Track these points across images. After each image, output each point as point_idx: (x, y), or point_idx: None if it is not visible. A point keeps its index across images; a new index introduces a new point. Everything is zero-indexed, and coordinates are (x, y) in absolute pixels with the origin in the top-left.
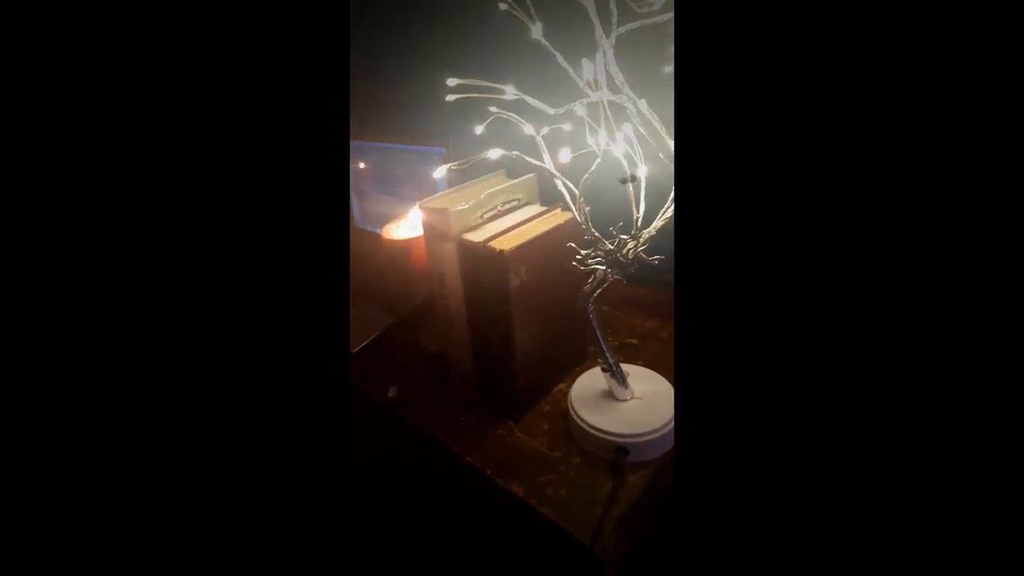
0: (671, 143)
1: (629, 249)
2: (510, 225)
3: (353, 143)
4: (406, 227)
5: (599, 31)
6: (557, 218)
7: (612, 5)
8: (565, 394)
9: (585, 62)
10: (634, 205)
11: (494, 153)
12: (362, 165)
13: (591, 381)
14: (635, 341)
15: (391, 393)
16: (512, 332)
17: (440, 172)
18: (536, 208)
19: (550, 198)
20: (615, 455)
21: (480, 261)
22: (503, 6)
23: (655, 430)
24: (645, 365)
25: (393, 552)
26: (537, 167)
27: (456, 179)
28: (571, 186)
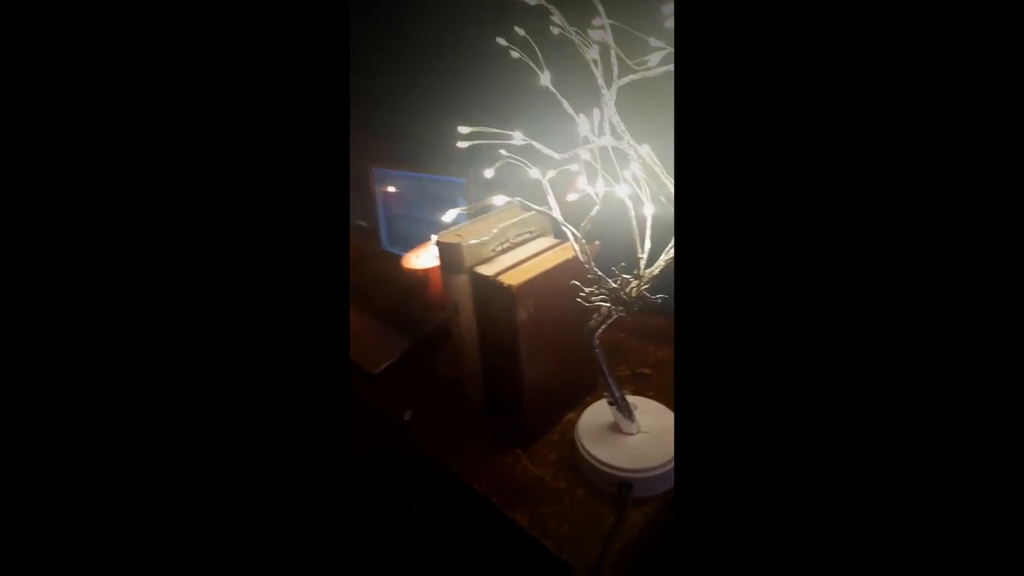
0: (671, 186)
1: (632, 287)
2: (522, 258)
3: (382, 170)
4: (426, 256)
5: (601, 82)
6: (568, 251)
7: (613, 59)
8: (575, 424)
9: (582, 117)
10: (639, 244)
11: (499, 200)
12: (391, 190)
13: (599, 413)
14: (648, 371)
15: (406, 416)
16: (520, 364)
17: (450, 216)
18: (549, 240)
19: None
20: (618, 490)
21: (490, 294)
22: (515, 54)
23: (660, 465)
24: (656, 396)
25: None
26: (542, 212)
27: (473, 211)
28: (572, 229)
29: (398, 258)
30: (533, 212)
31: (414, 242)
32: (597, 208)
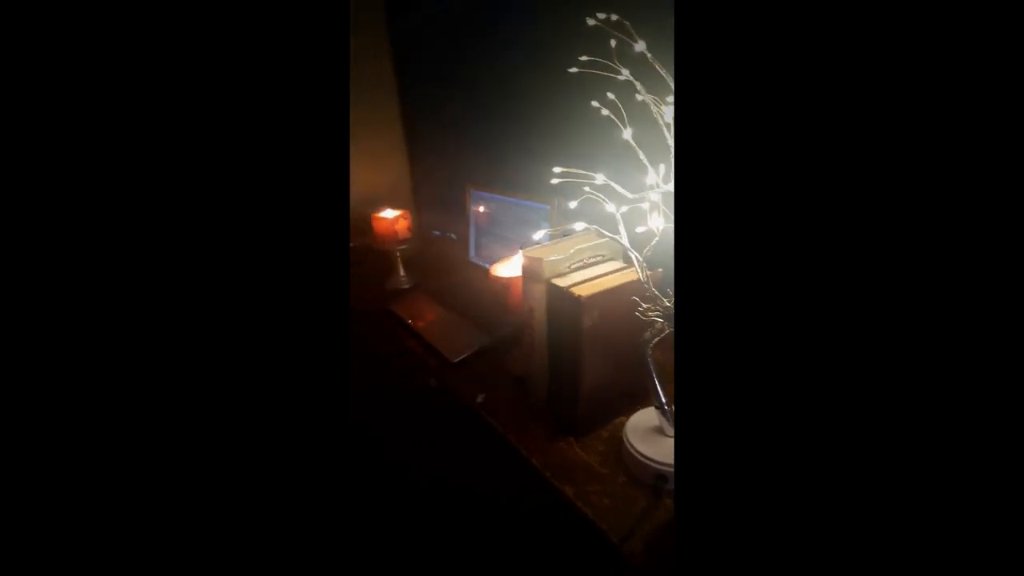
0: None
1: None
2: (592, 276)
3: (478, 192)
4: (509, 267)
5: (671, 142)
6: (632, 274)
7: None
8: (624, 423)
9: (650, 169)
10: None
11: (578, 226)
12: (482, 209)
13: (647, 416)
14: None
15: (479, 399)
16: (581, 364)
17: (539, 235)
18: (618, 264)
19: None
20: (655, 480)
21: (562, 302)
22: (604, 112)
23: None
24: None
25: (456, 525)
26: (612, 238)
27: (557, 233)
28: (637, 254)
29: (482, 268)
30: (606, 239)
31: (498, 256)
32: (657, 239)
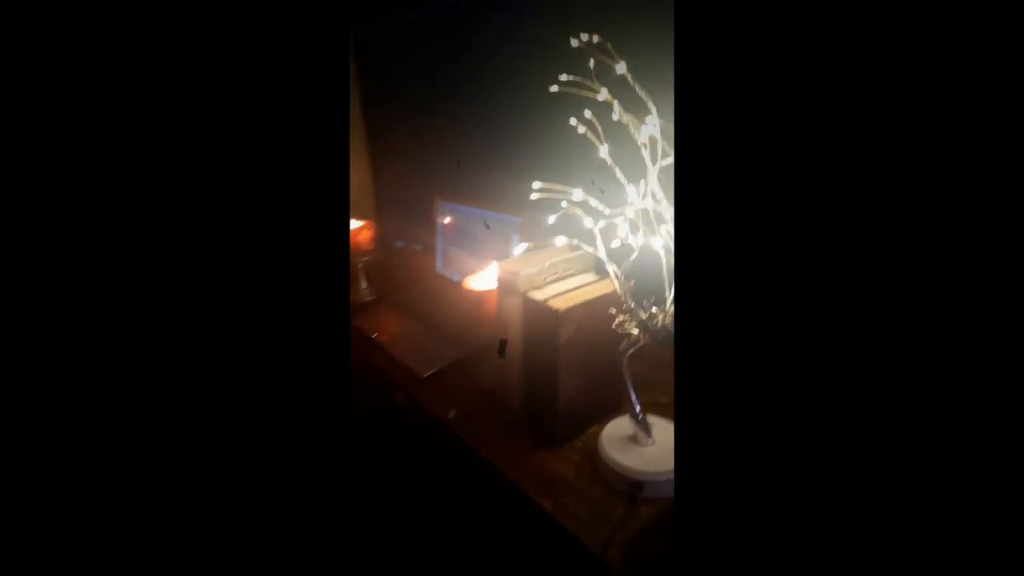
0: None
1: (658, 319)
2: (567, 288)
3: (446, 203)
4: (482, 280)
5: (648, 161)
6: (606, 286)
7: (659, 145)
8: (598, 435)
9: (629, 187)
10: (667, 284)
11: (560, 240)
12: (448, 220)
13: (620, 426)
14: (667, 400)
15: (451, 414)
16: (558, 377)
17: (519, 249)
18: (591, 276)
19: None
20: (631, 489)
21: (538, 315)
22: (581, 129)
23: (669, 472)
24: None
25: (429, 542)
26: (591, 252)
27: (531, 245)
28: (615, 267)
29: (450, 280)
30: (579, 253)
31: (466, 268)
32: (636, 255)
